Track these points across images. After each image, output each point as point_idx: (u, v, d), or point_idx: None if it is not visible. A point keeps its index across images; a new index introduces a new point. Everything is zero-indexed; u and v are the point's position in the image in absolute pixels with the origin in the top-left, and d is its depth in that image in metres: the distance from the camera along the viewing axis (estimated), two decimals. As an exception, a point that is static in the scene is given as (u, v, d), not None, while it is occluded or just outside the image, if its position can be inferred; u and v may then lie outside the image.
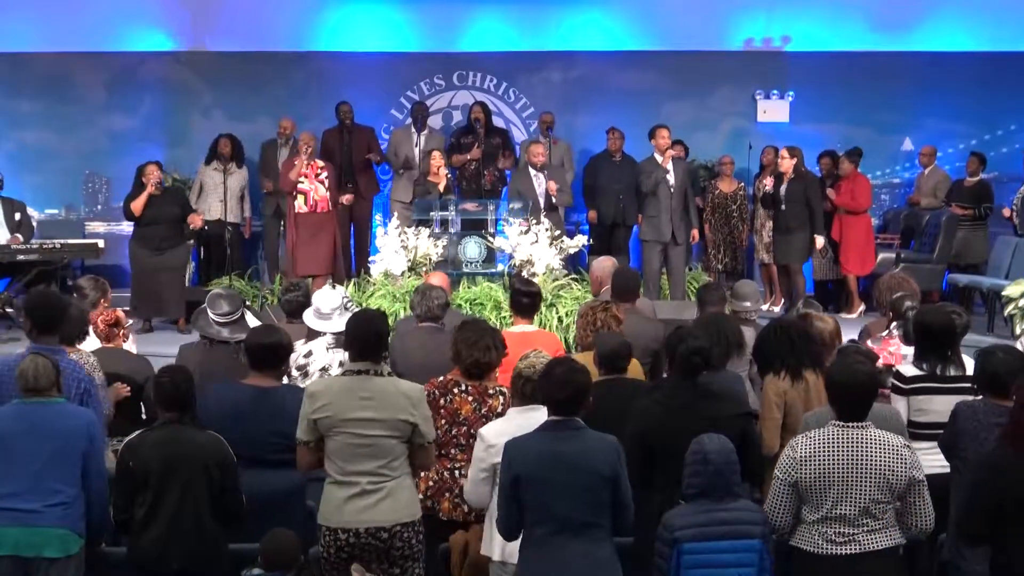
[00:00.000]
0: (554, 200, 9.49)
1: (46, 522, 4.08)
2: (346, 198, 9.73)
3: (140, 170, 9.30)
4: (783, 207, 9.59)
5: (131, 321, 5.98)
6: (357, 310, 4.84)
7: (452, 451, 4.66)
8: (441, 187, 9.23)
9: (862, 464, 3.80)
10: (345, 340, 4.31)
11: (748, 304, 6.44)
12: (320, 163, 9.23)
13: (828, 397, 3.99)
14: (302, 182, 9.05)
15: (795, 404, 4.74)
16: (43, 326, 4.68)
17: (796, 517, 3.90)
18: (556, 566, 3.75)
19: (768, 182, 9.63)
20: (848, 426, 3.85)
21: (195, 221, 9.23)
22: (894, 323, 5.71)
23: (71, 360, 4.72)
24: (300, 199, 9.10)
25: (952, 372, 4.87)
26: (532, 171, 9.50)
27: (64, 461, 4.13)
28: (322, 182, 9.13)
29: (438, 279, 6.66)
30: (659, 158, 9.21)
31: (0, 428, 4.11)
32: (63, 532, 4.12)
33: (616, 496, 3.79)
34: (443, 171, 9.36)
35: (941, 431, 4.57)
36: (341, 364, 5.17)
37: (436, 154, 9.47)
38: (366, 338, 4.18)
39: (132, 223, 9.31)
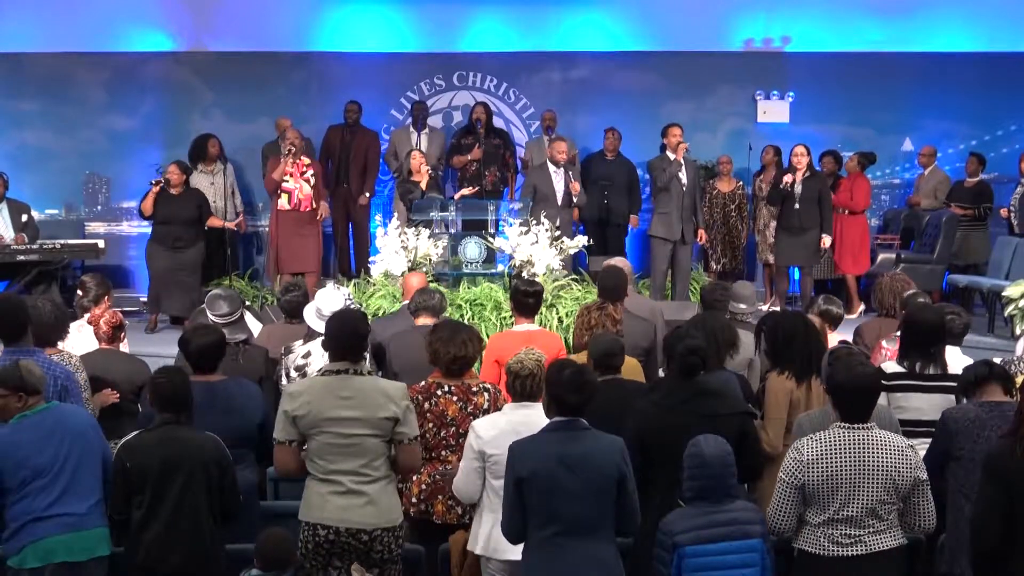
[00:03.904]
0: (575, 200, 9.51)
1: (92, 524, 4.15)
2: (323, 208, 9.45)
3: (164, 170, 9.33)
4: (796, 206, 9.55)
5: (127, 321, 5.96)
6: (336, 310, 4.81)
7: (443, 453, 4.65)
8: (424, 184, 9.17)
9: (869, 465, 3.80)
10: (325, 340, 4.30)
11: (744, 306, 6.40)
12: (306, 160, 9.23)
13: (831, 399, 3.98)
14: (286, 181, 9.06)
15: (798, 405, 4.74)
16: (9, 333, 4.67)
17: (799, 519, 3.90)
18: (560, 568, 3.75)
19: (788, 178, 9.57)
20: (853, 428, 3.85)
21: (214, 222, 9.25)
22: None
23: (46, 358, 4.71)
24: (284, 198, 9.10)
25: (932, 371, 4.88)
26: (552, 167, 9.50)
27: (91, 459, 4.18)
28: (307, 180, 9.13)
29: (417, 279, 6.66)
30: (671, 156, 9.23)
31: (23, 444, 4.11)
32: (105, 530, 4.20)
33: (621, 497, 3.79)
34: (424, 168, 9.31)
35: (919, 428, 4.57)
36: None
37: (416, 154, 9.48)
38: (346, 338, 4.17)
39: (148, 222, 9.34)
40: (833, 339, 5.79)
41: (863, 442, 3.83)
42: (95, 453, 4.21)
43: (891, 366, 4.95)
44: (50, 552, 4.07)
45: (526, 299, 5.85)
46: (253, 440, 4.78)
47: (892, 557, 3.87)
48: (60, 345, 5.20)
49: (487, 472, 4.15)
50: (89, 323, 5.63)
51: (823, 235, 9.56)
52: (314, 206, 9.21)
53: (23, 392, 4.14)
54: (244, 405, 4.79)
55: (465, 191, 9.61)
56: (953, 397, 4.71)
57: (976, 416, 4.35)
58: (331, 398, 4.07)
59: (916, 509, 3.88)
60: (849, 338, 6.24)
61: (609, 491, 3.76)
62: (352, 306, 5.52)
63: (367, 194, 10.69)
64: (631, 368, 5.30)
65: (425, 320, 5.77)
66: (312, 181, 9.17)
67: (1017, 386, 4.45)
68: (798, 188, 9.53)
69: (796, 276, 10.12)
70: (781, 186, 9.62)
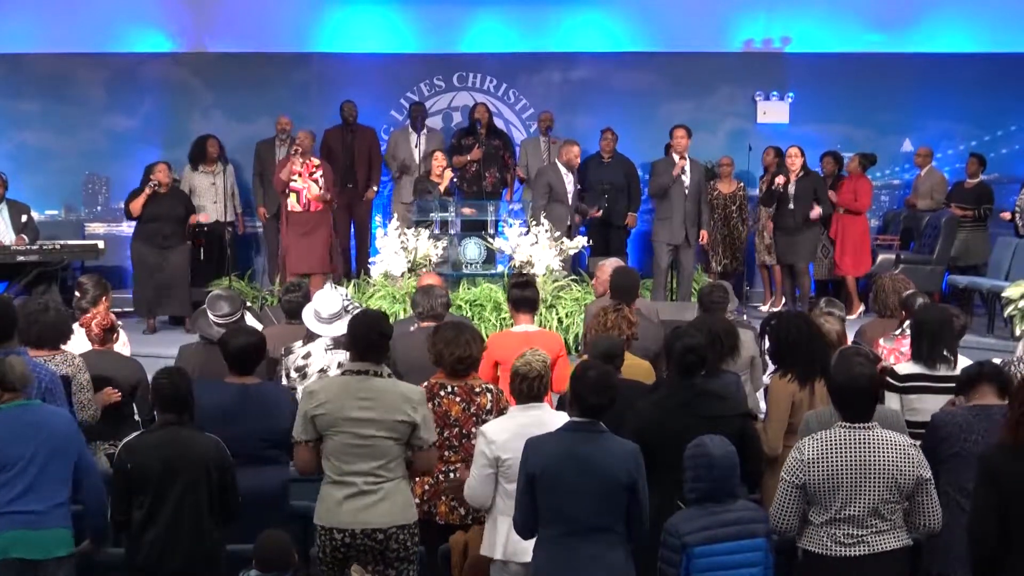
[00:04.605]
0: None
1: (52, 523, 4.10)
2: (327, 191, 9.30)
3: (149, 169, 9.31)
4: (791, 206, 9.58)
5: (120, 321, 5.95)
6: (359, 310, 4.82)
7: (446, 453, 4.64)
8: (443, 187, 9.22)
9: (870, 465, 3.79)
10: (347, 340, 4.30)
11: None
12: (316, 161, 9.22)
13: (832, 400, 3.99)
14: (295, 180, 9.03)
15: (801, 407, 4.74)
16: None
17: (803, 519, 3.90)
18: (566, 568, 3.75)
19: (780, 180, 9.61)
20: (855, 427, 3.85)
21: (194, 219, 9.28)
22: (908, 321, 5.68)
23: (31, 359, 4.69)
24: (292, 197, 9.08)
25: (945, 371, 4.87)
26: (563, 169, 9.51)
27: (60, 461, 4.14)
28: (316, 180, 9.11)
29: (432, 279, 6.65)
30: (676, 158, 9.23)
31: None
32: (67, 532, 4.15)
33: (632, 504, 3.79)
34: (447, 173, 9.35)
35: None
36: (340, 365, 5.16)
37: (439, 155, 9.45)
38: (368, 339, 4.16)
39: (134, 222, 9.35)
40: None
41: (864, 441, 3.82)
42: (67, 456, 4.15)
43: (906, 367, 4.93)
44: (6, 547, 4.03)
45: (521, 292, 5.83)
46: (286, 442, 4.76)
47: (896, 558, 3.86)
48: (63, 346, 5.20)
49: (500, 476, 4.13)
50: (81, 325, 5.62)
51: (815, 207, 9.54)
52: (324, 206, 9.17)
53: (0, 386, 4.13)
54: (278, 408, 4.76)
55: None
56: (950, 399, 4.71)
57: (963, 419, 4.37)
58: (349, 398, 4.07)
59: (921, 508, 3.87)
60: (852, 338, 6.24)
61: (617, 495, 3.76)
62: (351, 307, 5.52)
63: (374, 188, 10.67)
64: (644, 370, 5.30)
65: (429, 321, 5.76)
66: (320, 182, 9.14)
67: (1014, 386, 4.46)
68: (791, 189, 9.56)
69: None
70: (773, 188, 9.66)
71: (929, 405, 4.77)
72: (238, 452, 4.52)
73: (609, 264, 6.98)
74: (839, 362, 4.15)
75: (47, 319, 5.06)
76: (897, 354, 5.45)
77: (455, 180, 9.79)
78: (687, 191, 9.23)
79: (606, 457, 3.77)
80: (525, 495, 3.81)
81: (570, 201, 9.46)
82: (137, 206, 9.11)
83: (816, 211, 9.60)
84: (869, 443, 3.82)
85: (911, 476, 3.82)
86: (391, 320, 6.89)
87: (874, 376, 4.01)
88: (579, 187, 9.77)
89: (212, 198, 10.11)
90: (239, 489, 4.32)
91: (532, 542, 3.91)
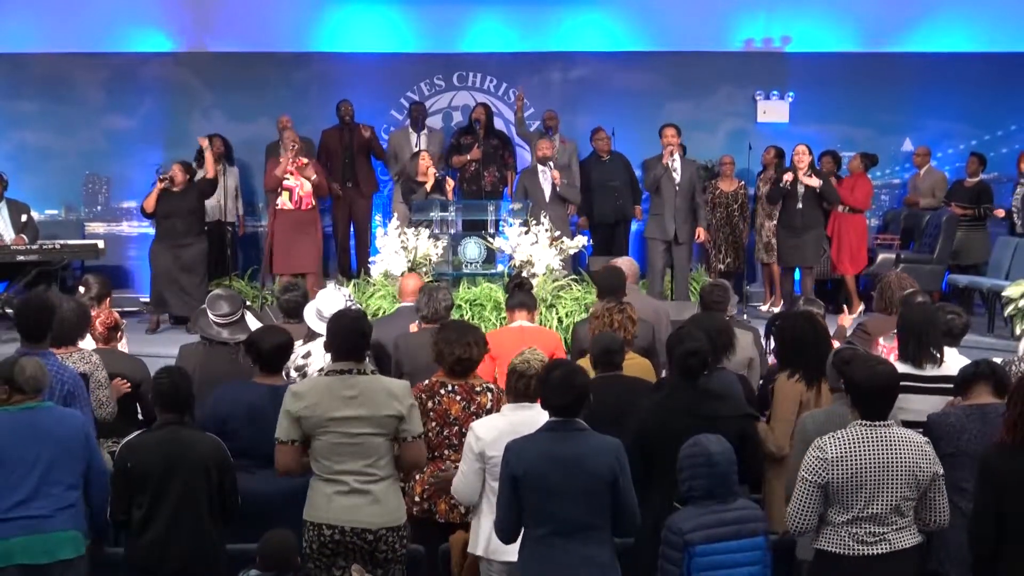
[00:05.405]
0: (559, 190, 9.42)
1: (58, 526, 4.08)
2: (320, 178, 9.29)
3: (167, 169, 9.33)
4: (799, 205, 9.56)
5: (125, 321, 5.97)
6: (336, 311, 4.80)
7: (445, 452, 4.65)
8: (428, 187, 9.14)
9: (893, 462, 3.79)
10: (327, 340, 4.29)
11: None
12: (304, 160, 9.21)
13: (851, 398, 3.96)
14: (287, 179, 9.02)
15: (808, 407, 4.74)
16: (31, 332, 4.66)
17: (820, 518, 3.89)
18: (555, 568, 3.74)
19: (788, 177, 9.57)
20: (875, 425, 3.85)
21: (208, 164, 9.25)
22: None
23: (57, 362, 4.69)
24: (285, 195, 9.06)
25: (932, 371, 4.86)
26: (539, 167, 9.50)
27: (67, 464, 4.12)
28: (307, 178, 9.09)
29: (413, 282, 6.64)
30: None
31: None
32: (74, 533, 4.14)
33: (616, 499, 3.78)
34: (431, 171, 9.28)
35: (917, 430, 4.56)
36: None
37: (425, 155, 9.41)
38: (349, 338, 4.16)
39: (151, 221, 9.36)
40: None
41: (885, 439, 3.82)
42: (75, 459, 4.14)
43: (896, 367, 4.93)
44: (8, 554, 4.01)
45: (515, 295, 5.95)
46: None
47: (911, 555, 3.88)
48: (80, 343, 5.21)
49: (487, 474, 4.14)
50: (90, 321, 5.63)
51: (813, 177, 9.47)
52: (314, 204, 9.17)
53: (8, 386, 4.11)
54: None
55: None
56: (950, 399, 4.71)
57: (956, 419, 4.40)
58: (336, 398, 4.07)
59: (932, 504, 3.88)
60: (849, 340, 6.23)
61: (602, 492, 3.76)
62: (352, 306, 5.51)
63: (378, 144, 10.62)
64: (644, 368, 5.30)
65: (432, 324, 5.76)
66: (313, 178, 9.12)
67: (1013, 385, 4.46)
68: (800, 187, 9.52)
69: (797, 276, 10.12)
70: (781, 184, 9.62)
71: (916, 405, 4.77)
72: (267, 452, 4.53)
73: (618, 263, 7.00)
74: (859, 362, 4.13)
75: (64, 316, 5.04)
76: (896, 352, 5.44)
77: (449, 178, 9.75)
78: (677, 187, 9.20)
79: (589, 456, 3.77)
80: (507, 498, 3.79)
81: (547, 197, 9.36)
82: (150, 202, 9.09)
83: (815, 181, 9.54)
84: (890, 441, 3.82)
85: (929, 473, 3.84)
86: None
87: (894, 375, 4.00)
88: (565, 182, 9.61)
89: (217, 197, 10.10)
90: (270, 489, 4.36)
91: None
